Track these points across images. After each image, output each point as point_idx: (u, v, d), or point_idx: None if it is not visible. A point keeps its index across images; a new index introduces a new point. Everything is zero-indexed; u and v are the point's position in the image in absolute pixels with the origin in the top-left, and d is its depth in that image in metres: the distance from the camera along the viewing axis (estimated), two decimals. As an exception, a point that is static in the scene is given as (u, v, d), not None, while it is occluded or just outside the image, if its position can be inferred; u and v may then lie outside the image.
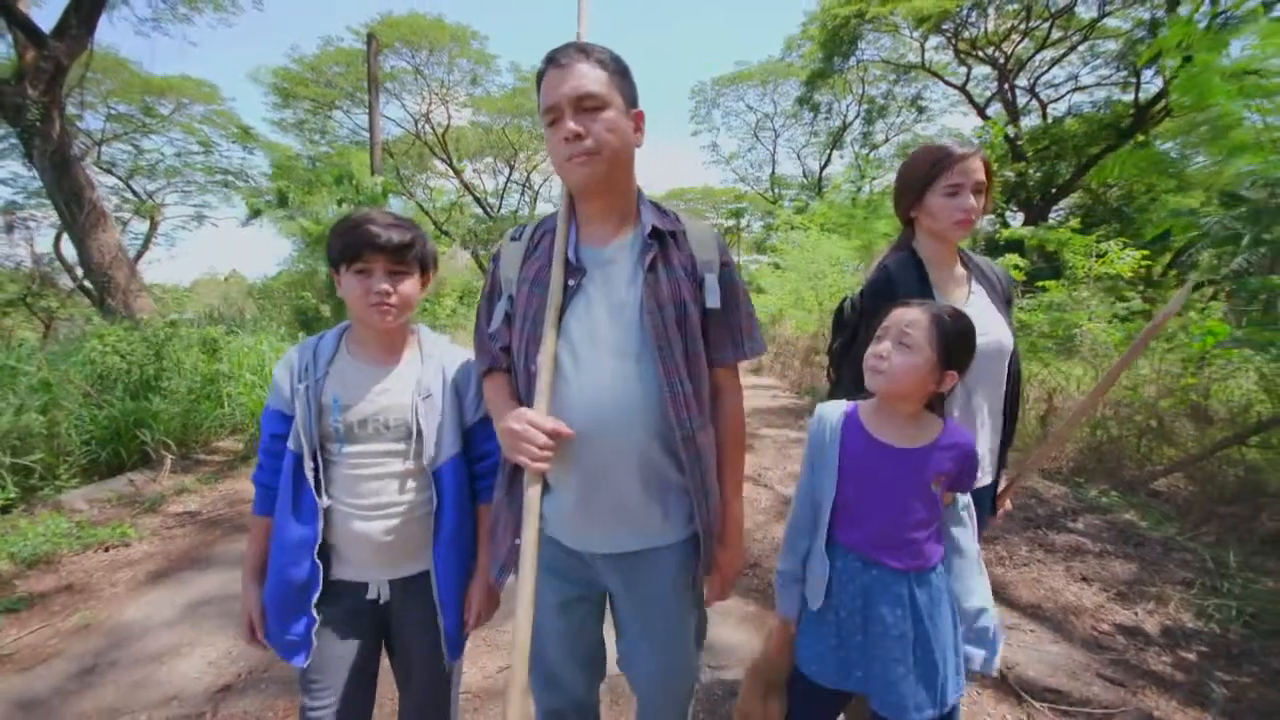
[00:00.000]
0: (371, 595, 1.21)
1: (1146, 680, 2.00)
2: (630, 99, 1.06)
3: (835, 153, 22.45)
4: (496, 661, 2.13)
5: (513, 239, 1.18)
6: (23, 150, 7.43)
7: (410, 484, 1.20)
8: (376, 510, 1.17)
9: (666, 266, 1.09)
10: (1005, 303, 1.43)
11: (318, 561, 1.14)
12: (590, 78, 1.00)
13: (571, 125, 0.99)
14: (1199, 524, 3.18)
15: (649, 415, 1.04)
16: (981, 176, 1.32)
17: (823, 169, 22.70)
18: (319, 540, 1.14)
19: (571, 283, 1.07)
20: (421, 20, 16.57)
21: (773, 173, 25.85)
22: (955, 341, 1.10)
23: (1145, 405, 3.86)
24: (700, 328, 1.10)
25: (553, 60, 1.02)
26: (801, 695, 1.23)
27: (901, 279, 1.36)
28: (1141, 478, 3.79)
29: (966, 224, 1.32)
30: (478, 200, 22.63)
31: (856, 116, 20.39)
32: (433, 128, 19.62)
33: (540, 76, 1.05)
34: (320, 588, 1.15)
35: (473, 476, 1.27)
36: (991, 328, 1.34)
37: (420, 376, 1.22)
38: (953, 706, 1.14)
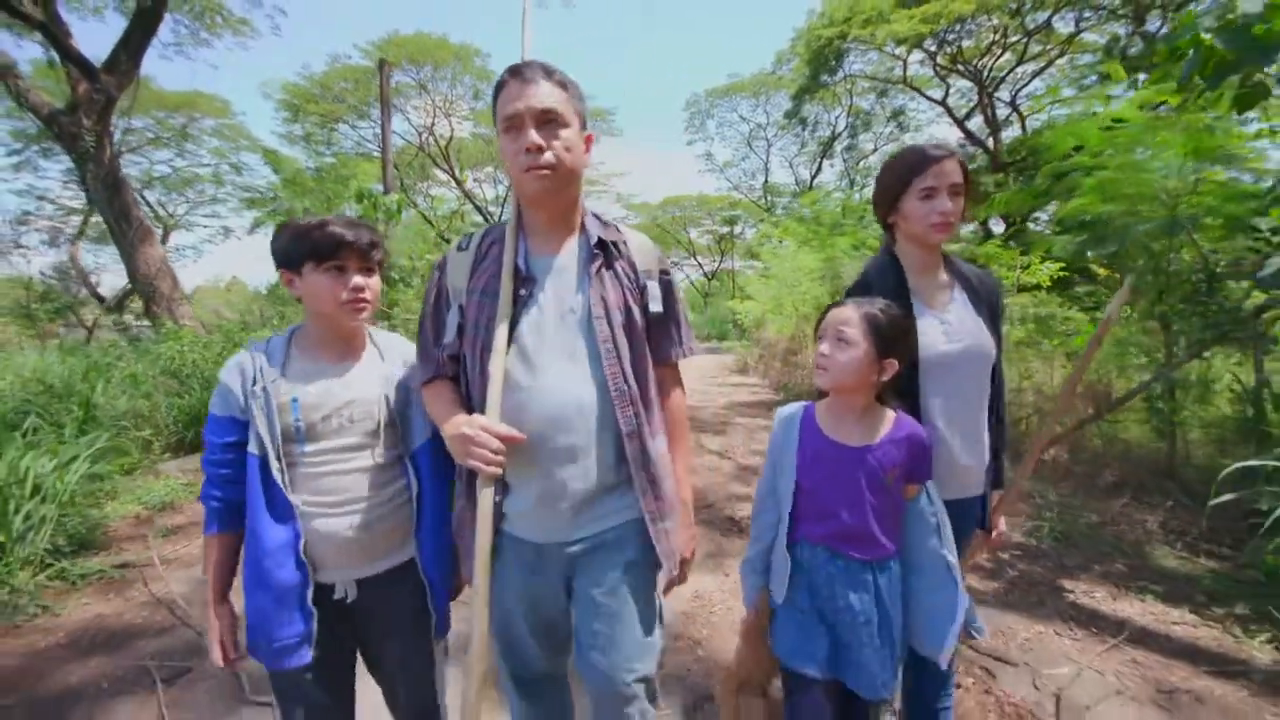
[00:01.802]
0: (339, 595, 1.20)
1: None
2: (584, 122, 1.14)
3: (826, 162, 23.51)
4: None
5: (459, 248, 1.22)
6: (77, 172, 8.37)
7: (379, 477, 1.22)
8: (344, 506, 1.18)
9: (610, 274, 1.17)
10: (990, 311, 1.43)
11: (304, 558, 1.14)
12: (553, 95, 1.07)
13: (534, 136, 1.05)
14: (1059, 480, 4.13)
15: (599, 413, 1.12)
16: (958, 178, 1.32)
17: (813, 178, 23.76)
18: (302, 538, 1.13)
19: (523, 292, 1.13)
20: (427, 40, 17.65)
21: (765, 181, 26.91)
22: (889, 330, 1.19)
23: (1035, 390, 4.81)
24: (644, 330, 1.19)
25: (516, 73, 1.08)
26: (792, 688, 1.30)
27: (878, 282, 1.38)
28: (1020, 452, 4.74)
29: (944, 227, 1.32)
30: (478, 209, 23.66)
31: (845, 128, 21.46)
32: (435, 139, 20.67)
33: (500, 87, 1.10)
34: (312, 584, 1.15)
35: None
36: (968, 334, 1.36)
37: (385, 371, 1.27)
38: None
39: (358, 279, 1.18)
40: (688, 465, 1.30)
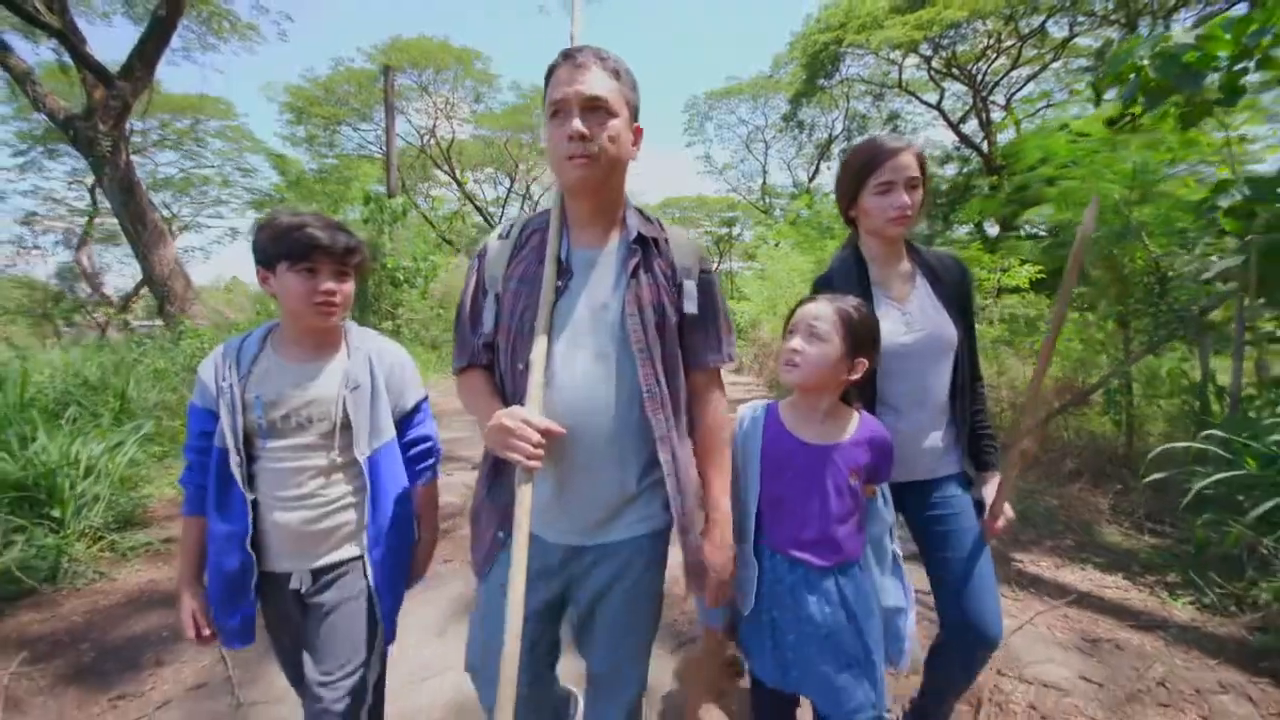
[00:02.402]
0: (294, 585, 1.26)
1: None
2: (634, 113, 1.11)
3: (823, 164, 23.85)
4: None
5: (500, 237, 1.22)
6: (93, 175, 8.68)
7: (334, 476, 1.26)
8: (298, 501, 1.23)
9: (648, 272, 1.14)
10: (957, 298, 1.44)
11: (250, 551, 1.21)
12: (603, 83, 1.04)
13: (578, 124, 1.02)
14: (1026, 469, 4.46)
15: (625, 415, 1.10)
16: (914, 172, 1.33)
17: (811, 180, 24.10)
18: (250, 531, 1.20)
19: (560, 283, 1.11)
20: (429, 44, 18.01)
21: (763, 183, 27.24)
22: (860, 330, 1.17)
23: (1009, 386, 5.15)
24: (678, 332, 1.16)
25: (569, 57, 1.05)
26: (759, 698, 1.30)
27: (840, 276, 1.42)
28: (1006, 442, 5.07)
29: (901, 221, 1.34)
30: (479, 210, 24.01)
31: (842, 130, 21.81)
32: (437, 141, 21.01)
33: (551, 70, 1.07)
34: (256, 574, 1.23)
35: (406, 461, 1.36)
36: (931, 322, 1.39)
37: (348, 369, 1.27)
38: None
39: (329, 283, 1.21)
40: (726, 480, 1.22)
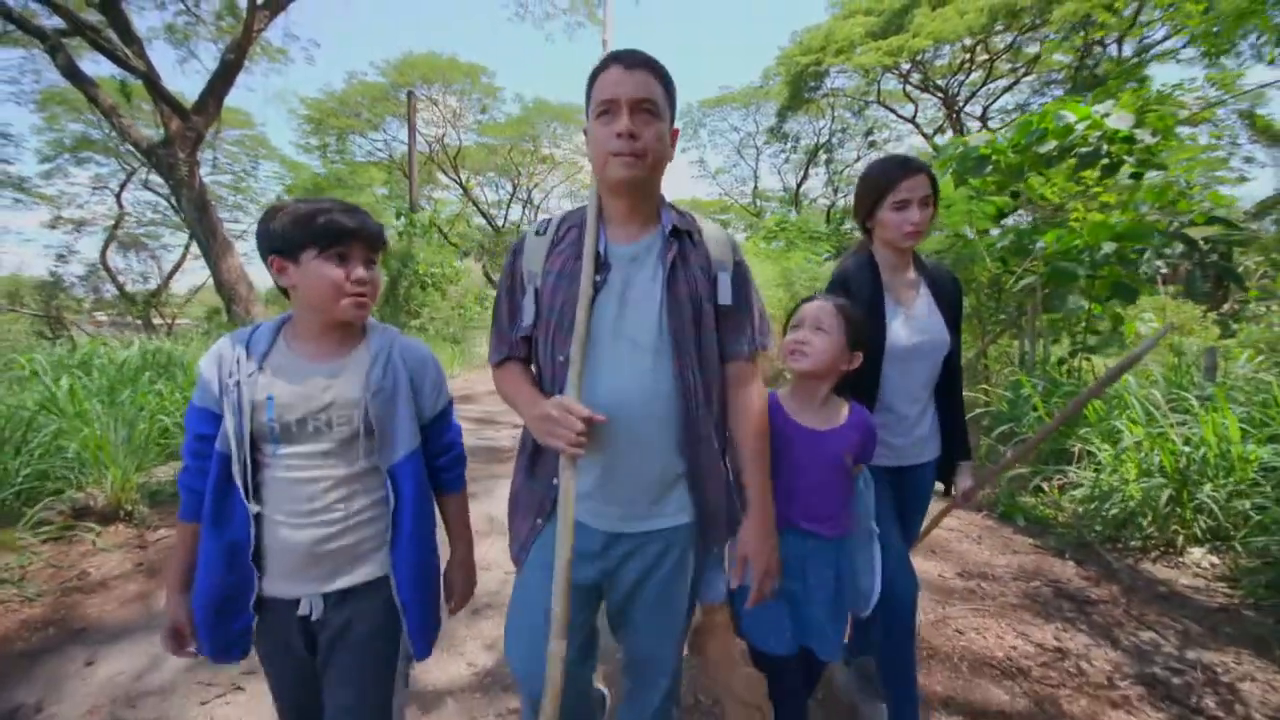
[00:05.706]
0: (303, 611, 1.16)
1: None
2: (674, 117, 1.21)
3: (811, 170, 25.77)
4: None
5: (537, 233, 1.28)
6: (172, 197, 10.43)
7: (353, 488, 1.18)
8: (310, 517, 1.14)
9: (684, 265, 1.21)
10: (951, 307, 1.68)
11: (252, 565, 1.13)
12: (652, 87, 1.13)
13: (628, 122, 1.10)
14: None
15: (666, 405, 1.17)
16: (926, 191, 1.54)
17: (799, 186, 25.99)
18: (253, 544, 1.12)
19: (598, 278, 1.18)
20: (438, 60, 19.91)
21: (755, 187, 28.99)
22: (859, 326, 1.40)
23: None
24: (714, 323, 1.23)
25: (619, 59, 1.14)
26: (774, 671, 1.42)
27: (856, 278, 1.63)
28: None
29: (915, 235, 1.55)
30: (483, 214, 25.93)
31: (828, 139, 23.74)
32: (444, 148, 22.92)
33: (598, 72, 1.15)
34: (256, 589, 1.14)
35: (434, 470, 1.29)
36: (931, 327, 1.62)
37: (370, 371, 1.18)
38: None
39: (361, 271, 1.14)
40: (765, 470, 1.28)
